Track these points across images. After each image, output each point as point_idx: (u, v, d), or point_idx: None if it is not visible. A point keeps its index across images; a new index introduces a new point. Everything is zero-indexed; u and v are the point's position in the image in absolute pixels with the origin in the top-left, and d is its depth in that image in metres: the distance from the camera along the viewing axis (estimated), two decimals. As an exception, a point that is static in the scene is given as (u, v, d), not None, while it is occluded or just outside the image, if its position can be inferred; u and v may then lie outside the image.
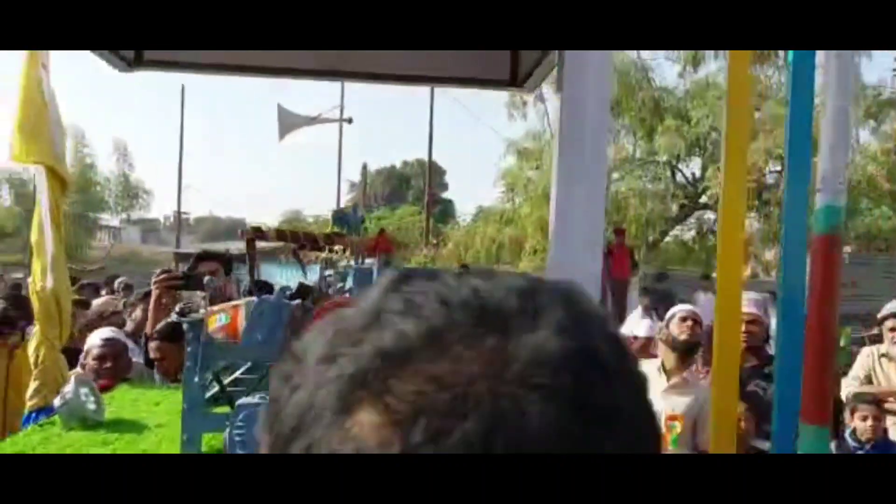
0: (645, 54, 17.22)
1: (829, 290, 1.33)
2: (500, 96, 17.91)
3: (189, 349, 1.82)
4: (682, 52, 16.65)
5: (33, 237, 2.96)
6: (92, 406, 2.19)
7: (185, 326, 1.74)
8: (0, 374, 3.32)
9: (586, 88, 2.12)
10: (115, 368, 2.94)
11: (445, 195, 48.53)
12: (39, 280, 2.90)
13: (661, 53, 17.00)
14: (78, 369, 3.00)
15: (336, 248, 1.67)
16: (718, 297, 2.01)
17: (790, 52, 1.81)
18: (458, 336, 0.39)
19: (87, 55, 2.55)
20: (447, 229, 22.96)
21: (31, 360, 2.96)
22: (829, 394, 1.33)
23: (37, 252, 2.95)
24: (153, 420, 2.21)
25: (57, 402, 2.16)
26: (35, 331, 3.02)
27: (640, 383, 0.44)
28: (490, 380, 0.37)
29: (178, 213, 30.98)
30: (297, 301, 1.66)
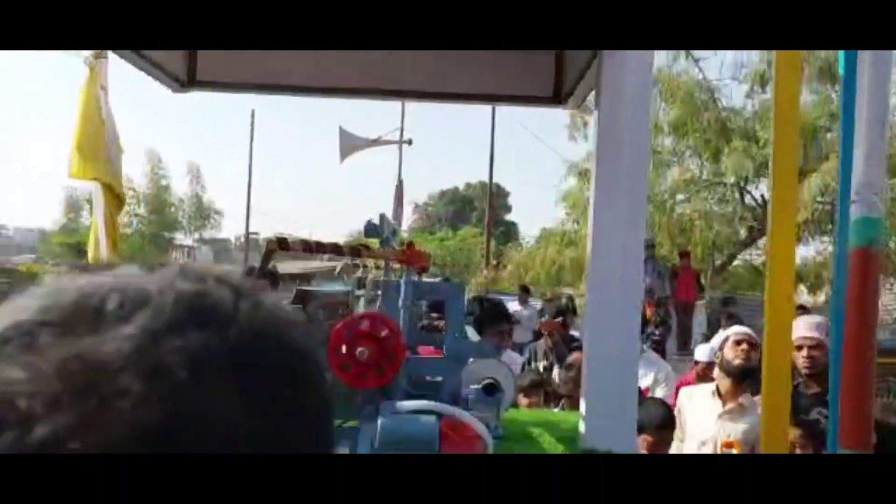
0: (710, 74, 16.89)
1: (865, 307, 1.26)
2: (561, 118, 17.84)
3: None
4: (748, 71, 16.27)
5: (90, 253, 3.08)
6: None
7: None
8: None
9: (624, 97, 2.09)
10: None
11: (509, 217, 48.50)
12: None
13: (726, 73, 16.60)
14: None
15: (362, 261, 1.68)
16: (768, 321, 1.94)
17: (841, 59, 1.74)
18: (44, 333, 0.39)
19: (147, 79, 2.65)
20: (508, 251, 22.88)
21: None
22: (868, 415, 1.26)
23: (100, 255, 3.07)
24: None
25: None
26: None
27: (265, 388, 0.42)
28: (65, 381, 0.37)
29: (247, 233, 31.83)
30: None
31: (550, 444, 2.23)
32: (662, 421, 3.07)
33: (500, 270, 19.38)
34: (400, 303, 1.83)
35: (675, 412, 3.48)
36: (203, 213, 32.21)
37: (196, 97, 2.91)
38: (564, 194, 18.34)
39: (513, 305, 13.65)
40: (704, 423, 3.46)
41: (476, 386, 1.89)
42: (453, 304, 1.87)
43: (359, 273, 2.08)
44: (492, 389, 1.96)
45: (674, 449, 3.39)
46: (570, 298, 11.98)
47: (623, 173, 2.16)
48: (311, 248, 1.68)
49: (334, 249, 1.70)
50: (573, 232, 18.00)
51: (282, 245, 1.65)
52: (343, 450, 1.60)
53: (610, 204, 2.21)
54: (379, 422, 1.57)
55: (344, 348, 1.67)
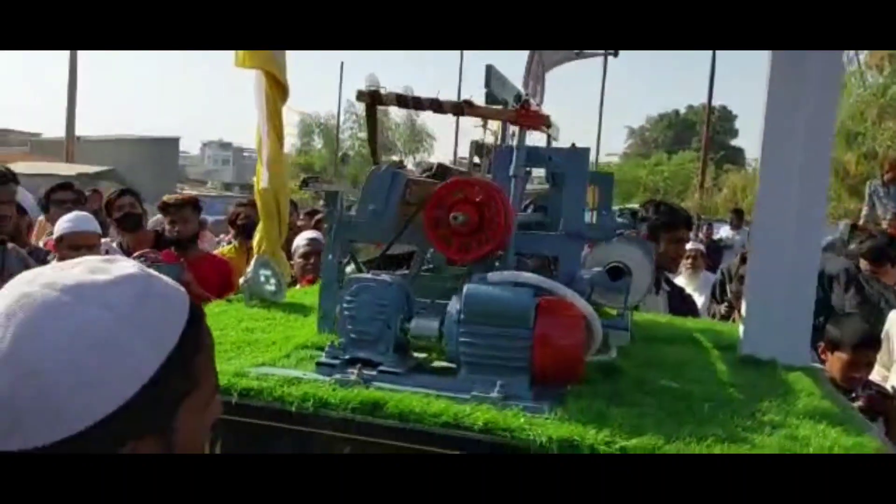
0: None
1: None
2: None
3: (326, 225, 1.78)
4: None
5: (255, 141, 3.16)
6: (271, 287, 2.29)
7: (322, 199, 1.70)
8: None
9: None
10: (317, 265, 3.08)
11: (735, 142, 44.83)
12: (261, 181, 3.10)
13: None
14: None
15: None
16: None
17: None
18: None
19: None
20: (726, 175, 21.15)
21: (256, 251, 3.20)
22: None
23: (259, 155, 3.16)
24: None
25: (241, 280, 2.30)
26: (259, 227, 3.27)
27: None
28: None
29: (455, 156, 32.51)
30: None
31: (687, 347, 1.94)
32: (863, 339, 2.59)
33: (714, 195, 18.00)
34: (511, 170, 1.63)
35: (883, 335, 2.95)
36: (416, 137, 33.36)
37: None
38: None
39: (724, 230, 12.65)
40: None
41: (599, 268, 1.65)
42: (575, 174, 1.63)
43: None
44: (617, 273, 1.71)
45: (875, 376, 2.88)
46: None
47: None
48: (408, 103, 1.52)
49: (433, 105, 1.52)
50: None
51: (374, 98, 1.51)
52: (432, 324, 1.47)
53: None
54: (465, 289, 1.41)
55: (441, 220, 1.51)
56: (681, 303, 3.44)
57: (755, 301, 1.89)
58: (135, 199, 4.33)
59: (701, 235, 12.15)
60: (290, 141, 34.89)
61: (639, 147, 49.29)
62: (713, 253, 9.97)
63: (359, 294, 1.49)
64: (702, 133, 21.11)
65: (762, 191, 1.89)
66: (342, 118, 35.52)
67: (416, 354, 1.60)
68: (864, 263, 4.54)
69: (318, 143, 39.37)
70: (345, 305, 1.49)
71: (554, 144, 2.03)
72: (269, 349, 1.66)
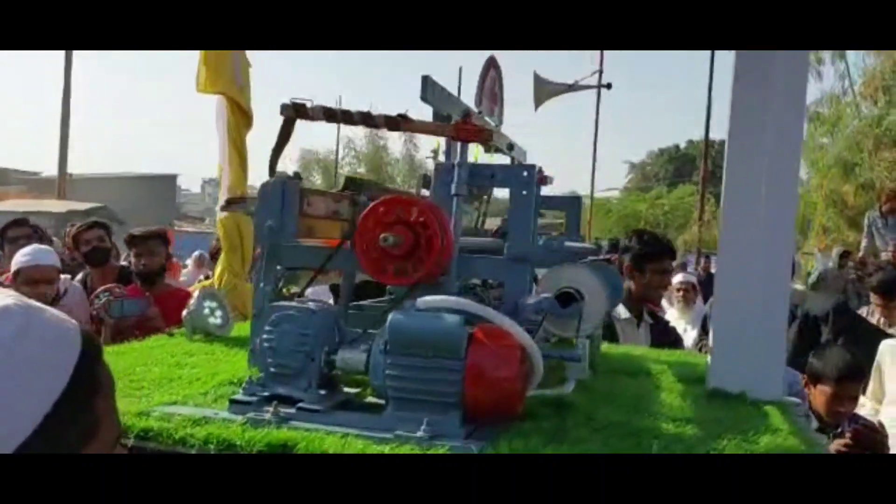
0: None
1: None
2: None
3: (258, 250, 1.67)
4: None
5: (217, 172, 3.08)
6: (216, 320, 2.16)
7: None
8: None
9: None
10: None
11: (732, 175, 44.74)
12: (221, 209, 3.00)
13: None
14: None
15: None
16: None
17: None
18: None
19: None
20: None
21: (216, 285, 3.09)
22: None
23: (220, 183, 3.07)
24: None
25: (184, 313, 2.17)
26: (220, 258, 3.16)
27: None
28: None
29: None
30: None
31: (652, 380, 1.81)
32: (846, 371, 2.45)
33: (713, 228, 17.91)
34: (453, 189, 1.51)
35: (874, 367, 2.80)
36: (415, 172, 33.44)
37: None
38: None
39: (721, 262, 12.49)
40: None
41: (547, 294, 1.52)
42: (521, 189, 1.51)
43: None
44: (567, 299, 1.58)
45: (866, 411, 2.73)
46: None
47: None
48: (336, 116, 1.41)
49: (364, 119, 1.41)
50: (798, 185, 16.09)
51: (299, 112, 1.40)
52: (360, 355, 1.34)
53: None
54: (389, 317, 1.28)
55: (374, 242, 1.39)
56: (664, 336, 3.31)
57: (722, 331, 1.76)
58: (104, 233, 4.22)
59: (699, 269, 12.01)
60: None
61: (640, 181, 49.36)
62: (710, 285, 9.80)
63: (279, 324, 1.36)
64: (700, 167, 21.08)
65: (727, 209, 1.77)
66: (341, 153, 35.70)
67: (348, 390, 1.47)
68: (873, 297, 4.40)
69: (316, 178, 39.53)
70: (264, 336, 1.37)
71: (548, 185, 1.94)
72: (191, 385, 1.53)
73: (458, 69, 2.22)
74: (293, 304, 1.39)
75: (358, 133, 29.69)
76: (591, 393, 1.62)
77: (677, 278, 5.78)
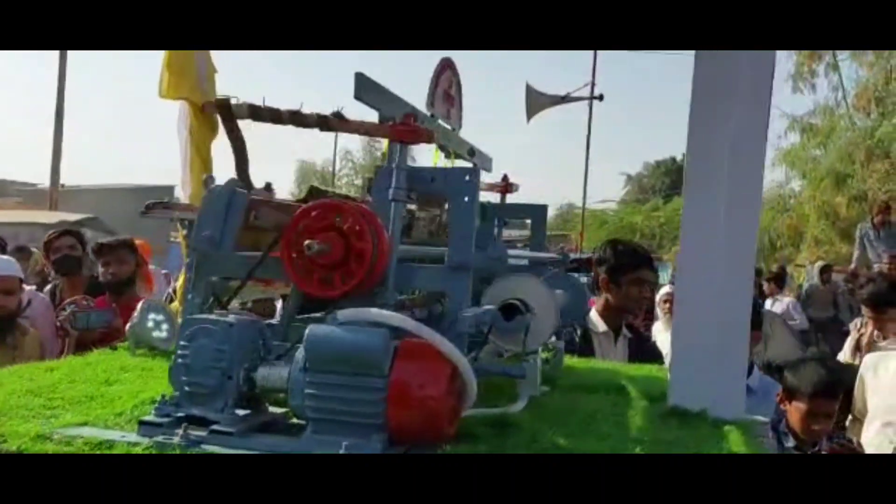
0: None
1: None
2: (785, 68, 15.75)
3: (188, 260, 1.57)
4: None
5: (180, 179, 2.99)
6: (161, 334, 2.07)
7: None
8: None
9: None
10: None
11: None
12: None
13: None
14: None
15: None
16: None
17: None
18: None
19: None
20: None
21: (178, 297, 2.99)
22: None
23: (182, 191, 2.98)
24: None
25: (127, 326, 2.08)
26: (183, 269, 3.06)
27: None
28: None
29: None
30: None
31: (611, 397, 1.71)
32: (820, 387, 2.35)
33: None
34: (391, 193, 1.42)
35: (857, 382, 2.71)
36: (413, 183, 33.42)
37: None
38: (784, 153, 16.30)
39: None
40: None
41: (491, 306, 1.43)
42: (461, 193, 1.41)
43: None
44: (511, 311, 1.49)
45: (850, 428, 2.63)
46: (782, 269, 10.59)
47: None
48: (263, 115, 1.32)
49: (294, 118, 1.32)
50: (790, 196, 16.01)
51: (222, 111, 1.31)
52: (282, 372, 1.24)
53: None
54: (307, 332, 1.19)
55: (299, 249, 1.30)
56: (641, 351, 3.20)
57: (682, 347, 1.66)
58: (75, 241, 4.13)
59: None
60: (288, 188, 35.01)
61: (636, 193, 49.32)
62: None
63: (194, 338, 1.26)
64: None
65: (685, 223, 1.68)
66: (338, 165, 35.62)
67: (276, 410, 1.37)
68: (864, 310, 4.31)
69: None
70: (179, 352, 1.27)
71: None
72: (110, 405, 1.43)
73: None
74: (210, 316, 1.30)
75: (356, 144, 29.60)
76: (541, 411, 1.53)
77: (664, 290, 5.68)
